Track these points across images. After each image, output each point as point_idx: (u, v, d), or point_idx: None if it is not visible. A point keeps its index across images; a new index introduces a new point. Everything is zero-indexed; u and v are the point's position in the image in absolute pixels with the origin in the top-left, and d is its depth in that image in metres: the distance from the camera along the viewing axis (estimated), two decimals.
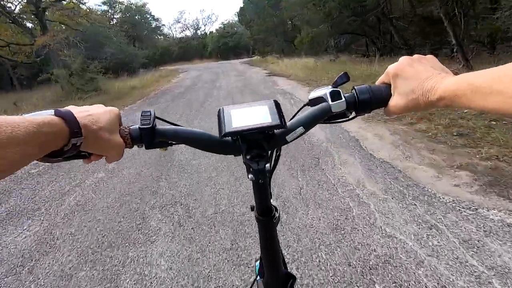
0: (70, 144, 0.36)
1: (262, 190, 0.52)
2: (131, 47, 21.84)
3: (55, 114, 0.36)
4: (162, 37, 34.61)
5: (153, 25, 30.78)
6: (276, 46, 21.15)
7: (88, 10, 15.04)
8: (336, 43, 12.25)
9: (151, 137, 0.47)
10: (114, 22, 26.65)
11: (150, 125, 0.46)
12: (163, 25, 39.17)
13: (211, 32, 45.54)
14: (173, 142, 0.50)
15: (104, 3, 24.65)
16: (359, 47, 14.32)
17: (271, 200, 0.55)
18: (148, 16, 29.58)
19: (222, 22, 45.12)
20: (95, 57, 19.58)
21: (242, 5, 25.79)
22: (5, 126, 0.29)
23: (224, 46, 40.15)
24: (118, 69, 19.54)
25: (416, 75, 0.42)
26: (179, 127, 0.50)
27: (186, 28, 55.06)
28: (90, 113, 0.41)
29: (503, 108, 0.30)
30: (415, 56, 0.45)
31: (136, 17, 27.08)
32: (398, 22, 9.83)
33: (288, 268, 0.71)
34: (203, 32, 51.56)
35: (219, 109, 0.48)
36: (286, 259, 0.97)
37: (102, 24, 19.00)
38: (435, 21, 8.24)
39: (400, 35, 9.65)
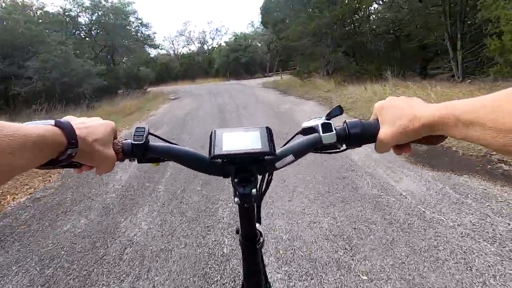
0: (66, 154, 0.38)
1: (247, 214, 0.51)
2: (83, 60, 13.29)
3: (55, 125, 0.38)
4: (154, 49, 26.37)
5: (142, 33, 22.62)
6: (323, 60, 12.38)
7: None
8: None
9: (143, 152, 0.48)
10: (84, 24, 18.51)
11: (143, 141, 0.47)
12: (155, 33, 30.81)
13: (219, 45, 37.24)
14: (165, 158, 0.50)
15: None
16: None
17: (257, 225, 0.54)
18: (133, 20, 21.45)
19: (234, 33, 36.23)
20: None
21: None
22: (17, 135, 0.31)
23: (234, 61, 31.92)
24: (53, 96, 11.08)
25: (401, 105, 0.43)
26: (172, 144, 0.51)
27: (191, 42, 47.67)
28: (87, 125, 0.43)
29: (485, 140, 0.29)
30: (402, 97, 0.46)
31: (114, 20, 18.90)
32: None
33: None
34: (210, 47, 43.91)
35: (212, 131, 0.49)
36: None
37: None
38: None
39: None
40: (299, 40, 11.74)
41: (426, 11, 7.91)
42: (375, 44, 11.65)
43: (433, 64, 11.07)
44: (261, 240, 0.54)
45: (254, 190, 0.44)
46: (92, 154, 0.42)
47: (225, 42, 34.00)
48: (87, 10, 17.78)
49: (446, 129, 0.34)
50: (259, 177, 0.49)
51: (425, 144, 0.43)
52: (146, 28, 22.81)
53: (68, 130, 0.37)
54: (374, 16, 11.76)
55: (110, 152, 0.45)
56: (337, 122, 0.50)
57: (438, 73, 10.23)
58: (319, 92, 10.37)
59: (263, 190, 0.53)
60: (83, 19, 18.33)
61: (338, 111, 0.50)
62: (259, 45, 34.14)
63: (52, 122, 0.38)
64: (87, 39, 18.59)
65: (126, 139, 0.49)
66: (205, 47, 47.00)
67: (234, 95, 12.92)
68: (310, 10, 12.15)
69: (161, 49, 28.40)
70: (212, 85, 24.77)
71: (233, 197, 0.46)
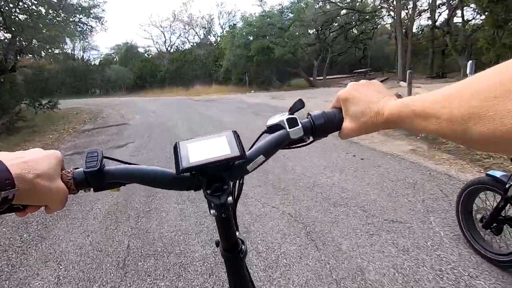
0: None
1: (226, 224, 0.49)
2: None
3: None
4: (88, 32, 11.37)
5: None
6: None
7: None
8: None
9: (99, 180, 0.43)
10: None
11: (97, 167, 0.42)
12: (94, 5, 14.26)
13: (232, 26, 21.28)
14: (126, 182, 0.47)
15: None
16: None
17: (237, 233, 0.52)
18: None
19: (260, 2, 18.71)
20: None
21: None
22: None
23: (260, 56, 16.91)
24: None
25: (363, 99, 0.43)
26: (131, 165, 0.46)
27: (191, 29, 32.91)
28: (26, 159, 0.37)
29: (440, 131, 0.31)
30: (362, 81, 0.47)
31: None
32: None
33: None
34: (218, 37, 29.09)
35: (175, 144, 0.46)
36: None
37: None
38: None
39: None
40: None
41: None
42: None
43: None
44: (244, 249, 0.51)
45: (230, 198, 0.42)
46: (36, 193, 0.37)
47: (243, 19, 18.59)
48: None
49: (406, 123, 0.36)
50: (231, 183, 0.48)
51: (382, 129, 0.44)
52: None
53: None
54: None
55: (59, 186, 0.40)
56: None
57: None
58: None
59: (236, 196, 0.52)
60: None
61: (300, 104, 0.50)
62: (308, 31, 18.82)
63: None
64: None
65: (77, 168, 0.44)
66: (212, 38, 32.25)
67: None
68: None
69: (103, 23, 13.22)
70: (211, 106, 9.74)
71: (208, 210, 0.44)
